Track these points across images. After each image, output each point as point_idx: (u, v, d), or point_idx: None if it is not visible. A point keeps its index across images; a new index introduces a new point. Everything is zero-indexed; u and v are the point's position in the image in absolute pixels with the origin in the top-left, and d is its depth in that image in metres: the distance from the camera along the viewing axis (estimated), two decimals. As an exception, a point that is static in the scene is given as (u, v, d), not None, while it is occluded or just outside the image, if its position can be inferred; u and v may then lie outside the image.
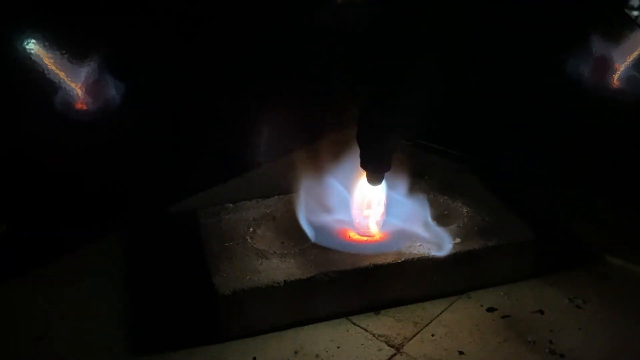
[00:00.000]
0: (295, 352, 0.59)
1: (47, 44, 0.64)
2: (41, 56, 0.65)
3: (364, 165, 0.65)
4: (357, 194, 0.68)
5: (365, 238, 0.67)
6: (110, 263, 0.71)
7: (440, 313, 0.64)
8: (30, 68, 0.65)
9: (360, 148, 0.64)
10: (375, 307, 0.64)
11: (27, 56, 0.64)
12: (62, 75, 0.67)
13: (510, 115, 0.87)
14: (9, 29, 0.63)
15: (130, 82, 0.72)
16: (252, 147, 0.91)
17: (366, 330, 0.62)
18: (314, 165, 0.72)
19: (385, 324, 0.63)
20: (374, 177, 0.65)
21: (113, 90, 0.71)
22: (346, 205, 0.69)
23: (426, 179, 0.77)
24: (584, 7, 0.75)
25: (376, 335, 0.61)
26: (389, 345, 0.60)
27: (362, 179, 0.67)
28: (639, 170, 0.75)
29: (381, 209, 0.67)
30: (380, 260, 0.62)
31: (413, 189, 0.72)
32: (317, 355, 0.59)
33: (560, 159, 0.83)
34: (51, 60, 0.66)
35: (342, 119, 0.82)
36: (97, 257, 0.72)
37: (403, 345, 0.60)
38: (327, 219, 0.69)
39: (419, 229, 0.67)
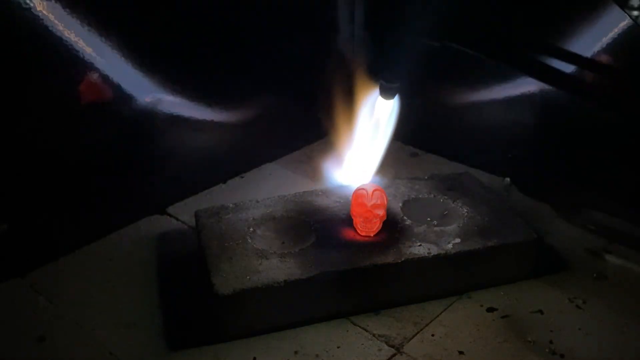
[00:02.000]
0: (295, 352, 0.59)
1: (47, 42, 0.64)
2: (41, 56, 0.65)
3: (380, 71, 0.59)
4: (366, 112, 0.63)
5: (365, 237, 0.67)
6: (110, 263, 0.71)
7: (440, 313, 0.64)
8: (29, 69, 0.65)
9: (377, 49, 0.59)
10: (375, 307, 0.64)
11: (27, 58, 0.64)
12: (61, 74, 0.67)
13: (509, 116, 0.87)
14: (11, 27, 0.63)
15: (132, 82, 0.72)
16: (252, 148, 0.91)
17: (366, 330, 0.62)
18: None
19: (385, 324, 0.63)
20: (388, 88, 0.59)
21: (113, 90, 0.71)
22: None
23: (426, 179, 0.77)
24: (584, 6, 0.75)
25: (376, 335, 0.61)
26: (389, 345, 0.60)
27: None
28: (638, 170, 0.75)
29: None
30: (380, 260, 0.62)
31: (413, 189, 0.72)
32: (317, 355, 0.59)
33: (559, 159, 0.83)
34: (49, 60, 0.66)
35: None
36: (96, 258, 0.72)
37: (403, 345, 0.60)
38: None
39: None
